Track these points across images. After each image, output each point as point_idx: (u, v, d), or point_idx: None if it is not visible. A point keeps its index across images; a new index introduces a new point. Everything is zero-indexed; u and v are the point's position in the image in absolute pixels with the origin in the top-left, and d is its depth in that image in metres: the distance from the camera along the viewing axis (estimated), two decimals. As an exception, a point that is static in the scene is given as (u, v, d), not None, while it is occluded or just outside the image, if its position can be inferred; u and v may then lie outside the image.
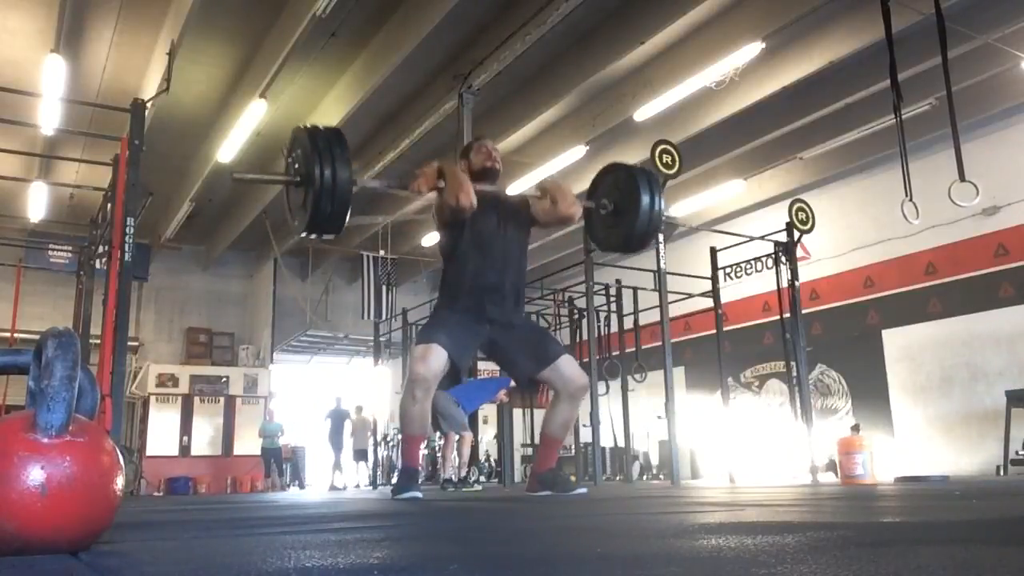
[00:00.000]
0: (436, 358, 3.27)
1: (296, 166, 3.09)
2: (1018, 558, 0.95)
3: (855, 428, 7.00)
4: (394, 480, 12.10)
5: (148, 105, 5.66)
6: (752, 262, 8.17)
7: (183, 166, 11.09)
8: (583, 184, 12.46)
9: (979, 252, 9.24)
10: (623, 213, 3.59)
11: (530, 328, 3.67)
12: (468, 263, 3.45)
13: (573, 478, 10.49)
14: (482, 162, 3.57)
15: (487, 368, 10.27)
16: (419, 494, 3.50)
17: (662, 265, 6.92)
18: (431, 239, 13.06)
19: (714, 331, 7.99)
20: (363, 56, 8.45)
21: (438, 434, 10.70)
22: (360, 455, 12.69)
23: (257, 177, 3.27)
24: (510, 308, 3.48)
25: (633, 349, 9.52)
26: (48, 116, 8.78)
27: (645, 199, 3.49)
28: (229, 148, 9.69)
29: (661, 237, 6.96)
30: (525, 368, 3.48)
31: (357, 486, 12.59)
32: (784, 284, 7.66)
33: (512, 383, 7.46)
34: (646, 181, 3.56)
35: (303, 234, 3.10)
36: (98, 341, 4.86)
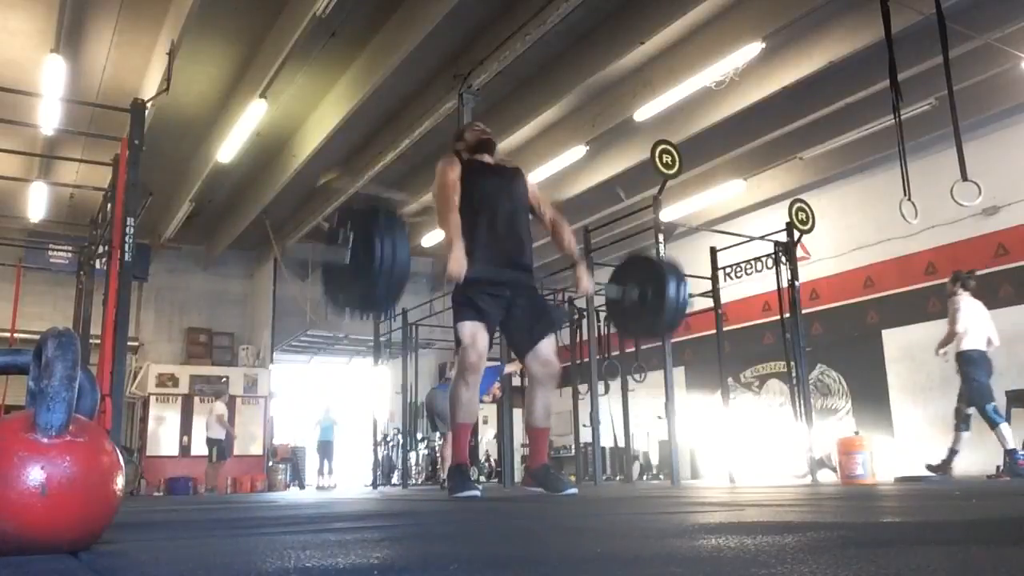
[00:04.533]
0: (482, 337, 3.47)
1: (350, 243, 3.05)
2: (1018, 558, 0.95)
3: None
4: (395, 479, 12.13)
5: (148, 105, 5.66)
6: (752, 262, 8.17)
7: (183, 166, 11.09)
8: (581, 186, 12.49)
9: (979, 252, 9.23)
10: (648, 302, 3.71)
11: (538, 302, 3.81)
12: (480, 221, 3.58)
13: (573, 478, 10.50)
14: (477, 136, 3.81)
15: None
16: (477, 492, 3.58)
17: (662, 265, 6.90)
18: (431, 239, 13.06)
19: (714, 331, 7.98)
20: (363, 56, 8.45)
21: (437, 434, 10.70)
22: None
23: (302, 269, 3.31)
24: (527, 254, 3.66)
25: (633, 349, 9.52)
26: (48, 116, 8.77)
27: (672, 290, 3.60)
28: (229, 148, 9.68)
29: (661, 237, 6.96)
30: (521, 343, 3.65)
31: (334, 486, 12.72)
32: (784, 284, 7.66)
33: (506, 371, 7.51)
34: (673, 273, 3.69)
35: (342, 312, 3.12)
36: (98, 341, 4.86)
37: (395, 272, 2.93)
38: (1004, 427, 6.28)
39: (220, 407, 12.27)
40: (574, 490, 3.69)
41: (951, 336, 6.53)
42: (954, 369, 6.81)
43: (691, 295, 8.45)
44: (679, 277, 3.71)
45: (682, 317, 3.77)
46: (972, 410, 6.43)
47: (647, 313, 3.74)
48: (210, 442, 12.07)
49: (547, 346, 3.59)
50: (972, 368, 6.46)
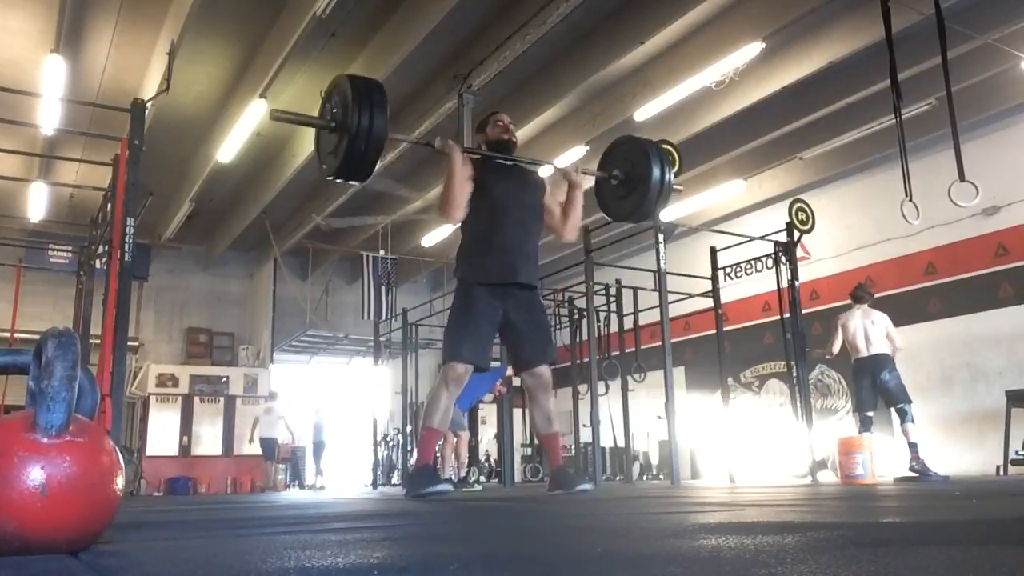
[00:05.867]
0: (467, 368, 3.54)
1: (334, 111, 3.18)
2: (1018, 558, 0.95)
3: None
4: (395, 479, 12.13)
5: (148, 105, 5.66)
6: (752, 262, 8.17)
7: (183, 166, 11.09)
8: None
9: (979, 252, 9.24)
10: (634, 184, 3.74)
11: (541, 323, 3.78)
12: (487, 227, 3.60)
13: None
14: (498, 135, 3.76)
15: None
16: (448, 487, 3.63)
17: (662, 265, 6.92)
18: (431, 239, 13.05)
19: (714, 331, 7.98)
20: (363, 56, 8.45)
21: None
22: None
23: (295, 117, 3.46)
24: (531, 271, 3.65)
25: (633, 349, 9.52)
26: (48, 116, 8.77)
27: (656, 170, 3.63)
28: (229, 148, 9.68)
29: (661, 237, 6.96)
30: (522, 360, 3.66)
31: (322, 487, 12.75)
32: (784, 284, 7.66)
33: (508, 373, 7.50)
34: (656, 153, 3.70)
35: (330, 178, 3.24)
36: (98, 341, 4.86)
37: (372, 135, 3.03)
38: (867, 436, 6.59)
39: (278, 408, 12.38)
40: (587, 486, 3.72)
41: (833, 348, 7.08)
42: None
43: (691, 294, 8.49)
44: (663, 159, 3.73)
45: (666, 199, 3.81)
46: (904, 405, 6.66)
47: (633, 194, 3.77)
48: (265, 442, 12.14)
49: (545, 368, 3.66)
50: (856, 376, 6.98)
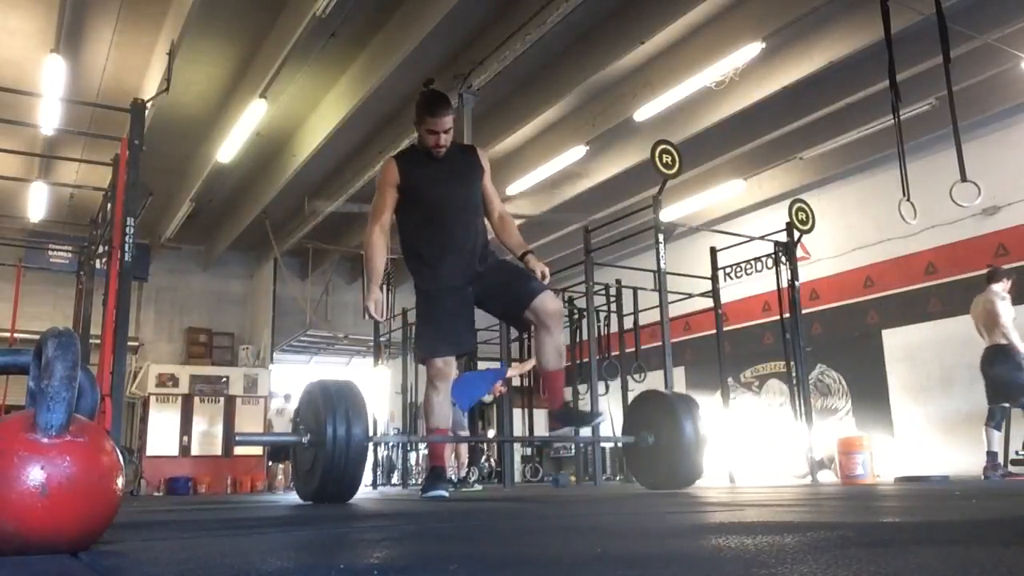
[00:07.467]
0: (445, 361, 3.46)
1: (304, 424, 3.10)
2: (1018, 558, 0.95)
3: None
4: (395, 479, 12.12)
5: (148, 105, 5.65)
6: (752, 262, 8.17)
7: (183, 166, 11.09)
8: (581, 186, 12.44)
9: (979, 252, 9.23)
10: (665, 447, 3.69)
11: (504, 270, 3.60)
12: (428, 233, 3.51)
13: (573, 478, 10.48)
14: (425, 148, 3.50)
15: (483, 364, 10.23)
16: (445, 493, 3.65)
17: (662, 265, 6.92)
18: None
19: (714, 331, 7.99)
20: (363, 56, 8.45)
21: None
22: None
23: (263, 439, 3.41)
24: (484, 259, 3.53)
25: (633, 349, 9.52)
26: (48, 116, 8.77)
27: (688, 428, 3.58)
28: (229, 148, 9.68)
29: (661, 237, 6.96)
30: (513, 307, 3.51)
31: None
32: (784, 284, 7.66)
33: (508, 375, 7.49)
34: (687, 408, 3.71)
35: (310, 502, 3.17)
36: (98, 341, 4.86)
37: (351, 455, 2.94)
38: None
39: (290, 409, 12.39)
40: (601, 417, 3.67)
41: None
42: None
43: (691, 294, 8.49)
44: (693, 413, 3.69)
45: (701, 459, 3.77)
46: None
47: (663, 459, 3.73)
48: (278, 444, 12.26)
49: (542, 300, 3.42)
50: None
